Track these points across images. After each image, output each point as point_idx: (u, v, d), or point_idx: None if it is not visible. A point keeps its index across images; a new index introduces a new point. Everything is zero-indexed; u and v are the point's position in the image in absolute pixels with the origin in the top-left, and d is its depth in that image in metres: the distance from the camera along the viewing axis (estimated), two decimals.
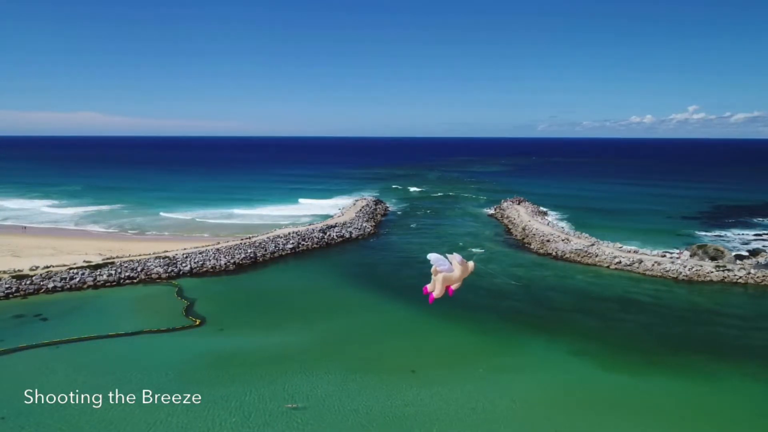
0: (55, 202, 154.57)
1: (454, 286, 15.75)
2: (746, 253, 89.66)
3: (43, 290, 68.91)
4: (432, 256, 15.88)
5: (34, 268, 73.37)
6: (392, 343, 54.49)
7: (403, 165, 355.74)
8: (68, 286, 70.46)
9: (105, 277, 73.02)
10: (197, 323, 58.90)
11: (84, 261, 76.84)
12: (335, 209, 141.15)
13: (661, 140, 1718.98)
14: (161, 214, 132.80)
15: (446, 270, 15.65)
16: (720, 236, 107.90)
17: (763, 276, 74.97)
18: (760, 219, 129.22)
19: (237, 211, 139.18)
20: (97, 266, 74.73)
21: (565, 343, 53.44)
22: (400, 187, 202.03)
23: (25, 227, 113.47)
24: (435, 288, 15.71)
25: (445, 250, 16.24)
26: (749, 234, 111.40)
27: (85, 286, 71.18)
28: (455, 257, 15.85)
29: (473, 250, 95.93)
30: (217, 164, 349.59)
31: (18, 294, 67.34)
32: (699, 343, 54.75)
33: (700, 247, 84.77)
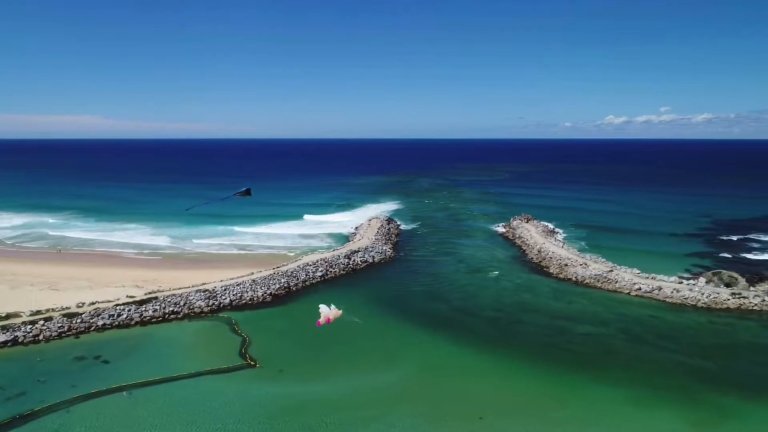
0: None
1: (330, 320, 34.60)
2: (756, 275, 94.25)
3: (93, 328, 70.64)
4: (322, 307, 35.09)
5: (80, 304, 74.93)
6: (454, 386, 57.28)
7: (396, 172, 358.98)
8: (116, 323, 72.26)
9: (150, 312, 74.89)
10: (255, 365, 61.22)
11: (127, 296, 78.51)
12: (343, 227, 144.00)
13: (634, 141, 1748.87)
14: (160, 235, 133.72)
15: (326, 312, 33.92)
16: (727, 258, 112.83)
17: None
18: (759, 234, 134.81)
19: (239, 228, 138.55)
20: (142, 302, 76.47)
21: (619, 389, 56.41)
22: (403, 201, 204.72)
23: (59, 250, 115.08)
24: (324, 320, 34.19)
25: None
26: (754, 253, 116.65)
27: (132, 322, 73.03)
28: (332, 308, 35.04)
29: (495, 272, 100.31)
30: (209, 173, 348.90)
31: (70, 333, 68.98)
32: (735, 380, 58.51)
33: (714, 273, 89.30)
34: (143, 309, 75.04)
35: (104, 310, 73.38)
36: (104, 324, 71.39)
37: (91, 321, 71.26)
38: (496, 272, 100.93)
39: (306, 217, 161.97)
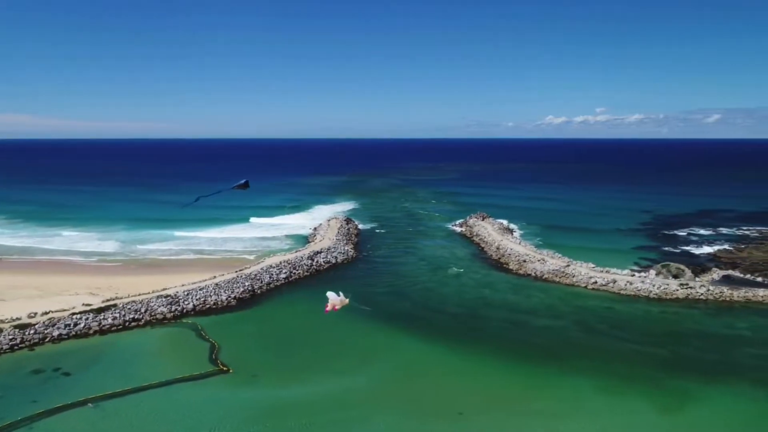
0: None
1: (336, 308, 34.87)
2: (699, 266, 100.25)
3: (48, 339, 66.96)
4: (329, 294, 34.63)
5: (32, 314, 70.75)
6: (430, 383, 57.96)
7: (346, 172, 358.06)
8: (74, 332, 68.79)
9: (110, 320, 71.72)
10: (227, 370, 59.77)
11: (83, 304, 74.76)
12: (300, 228, 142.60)
13: (572, 140, 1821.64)
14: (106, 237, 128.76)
15: (333, 300, 33.83)
16: (671, 252, 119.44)
17: (720, 292, 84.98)
18: (695, 228, 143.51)
19: (186, 233, 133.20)
20: (100, 310, 73.09)
21: (588, 379, 58.59)
22: (357, 201, 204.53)
23: None
24: (331, 308, 34.74)
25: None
26: (693, 246, 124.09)
27: (91, 331, 69.71)
28: (340, 295, 34.66)
29: (455, 268, 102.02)
30: (153, 175, 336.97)
31: (24, 345, 65.12)
32: (691, 365, 62.07)
33: (663, 266, 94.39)
34: (102, 317, 71.73)
35: (59, 320, 69.63)
36: (60, 334, 67.76)
37: (46, 332, 67.48)
38: (459, 270, 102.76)
39: (260, 219, 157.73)
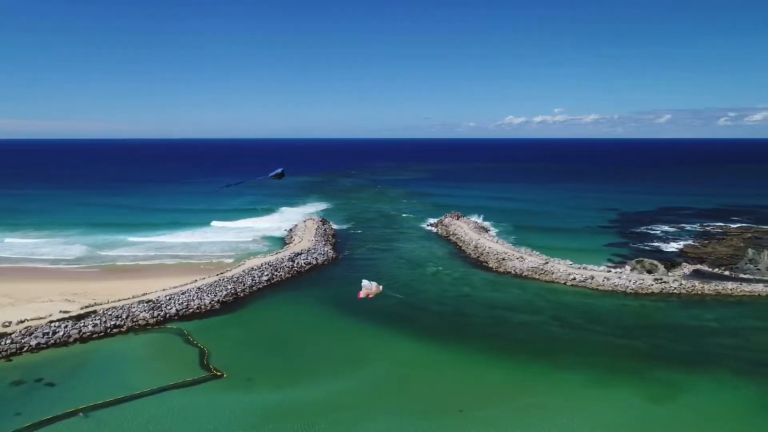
0: None
1: (370, 296, 35.56)
2: (668, 261, 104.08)
3: (26, 349, 64.19)
4: (364, 282, 35.60)
5: (6, 323, 67.65)
6: (426, 381, 58.29)
7: (314, 172, 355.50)
8: (53, 341, 66.14)
9: (90, 328, 69.27)
10: (221, 375, 58.65)
11: (61, 311, 71.94)
12: (276, 230, 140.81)
13: (532, 140, 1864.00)
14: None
15: (368, 287, 34.99)
16: (641, 248, 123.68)
17: (692, 286, 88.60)
18: (660, 225, 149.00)
19: (149, 239, 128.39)
20: (80, 317, 70.51)
21: (577, 372, 60.07)
22: (329, 202, 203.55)
23: None
24: (365, 295, 35.49)
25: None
26: (658, 242, 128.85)
27: (71, 339, 67.15)
28: (373, 283, 35.23)
29: (441, 268, 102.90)
30: (104, 177, 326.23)
31: (0, 356, 62.16)
32: (674, 357, 64.40)
33: (638, 261, 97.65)
34: (82, 324, 69.20)
35: (37, 328, 66.83)
36: (39, 343, 65.04)
37: (23, 341, 64.66)
38: (440, 268, 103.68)
39: (233, 223, 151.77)
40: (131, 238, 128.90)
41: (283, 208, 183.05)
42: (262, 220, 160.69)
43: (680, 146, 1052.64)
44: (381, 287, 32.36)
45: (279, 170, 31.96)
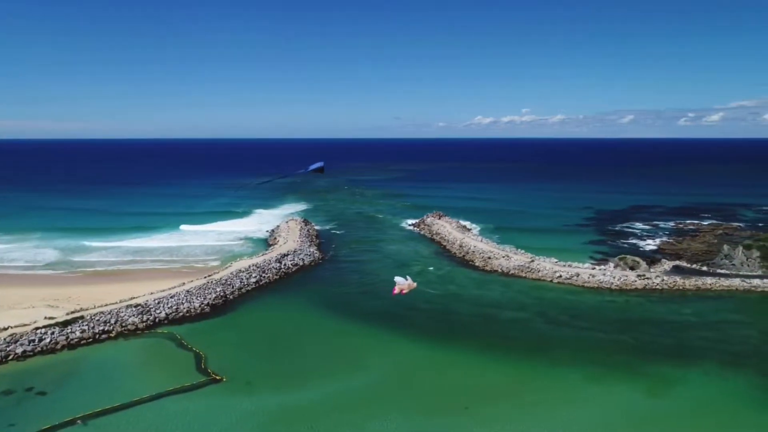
0: None
1: (404, 292, 32.25)
2: (648, 258, 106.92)
3: (12, 357, 61.90)
4: (397, 278, 32.46)
5: None
6: (428, 380, 58.47)
7: (279, 173, 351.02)
8: (39, 348, 63.96)
9: (78, 334, 67.19)
10: (221, 379, 57.65)
11: (46, 317, 69.57)
12: (259, 231, 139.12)
13: (500, 139, 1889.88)
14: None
15: (401, 284, 32.33)
16: (621, 245, 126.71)
17: (673, 282, 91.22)
18: (635, 222, 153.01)
19: (110, 243, 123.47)
20: (66, 323, 68.33)
21: (574, 369, 61.11)
22: (306, 202, 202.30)
23: None
24: (399, 291, 32.33)
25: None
26: (635, 239, 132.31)
27: (58, 346, 65.04)
28: (408, 279, 32.27)
29: (430, 268, 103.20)
30: (61, 179, 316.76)
31: None
32: (664, 351, 66.16)
33: (621, 258, 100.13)
34: (69, 330, 67.07)
35: (22, 336, 64.52)
36: (25, 351, 62.78)
37: (9, 349, 62.33)
38: (430, 268, 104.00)
39: (183, 227, 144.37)
40: (106, 243, 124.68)
41: (259, 210, 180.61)
42: (240, 223, 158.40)
43: (644, 146, 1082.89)
44: (415, 283, 31.96)
45: (320, 164, 31.75)
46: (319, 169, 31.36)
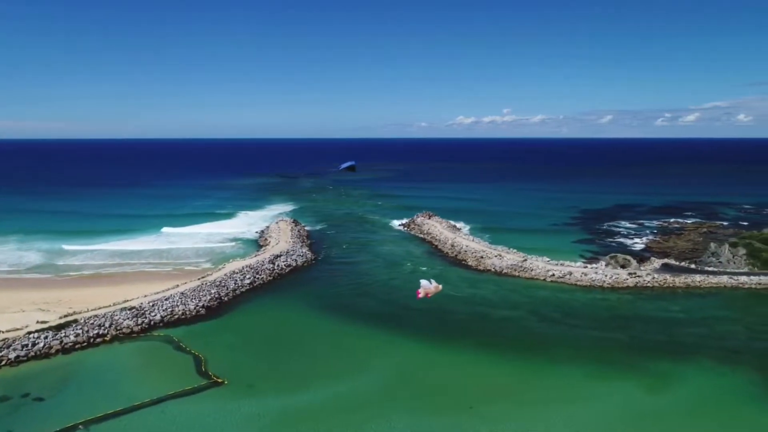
0: None
1: (429, 295, 34.29)
2: (637, 256, 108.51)
3: (5, 362, 60.52)
4: (422, 281, 34.21)
5: None
6: (431, 380, 58.59)
7: (271, 173, 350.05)
8: (33, 353, 62.68)
9: (72, 338, 65.97)
10: (222, 382, 57.04)
11: (38, 321, 68.10)
12: (249, 233, 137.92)
13: (482, 140, 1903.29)
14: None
15: (427, 287, 33.80)
16: (609, 244, 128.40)
17: (664, 279, 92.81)
18: (621, 221, 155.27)
19: (96, 246, 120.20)
20: (59, 327, 67.00)
21: (574, 366, 61.72)
22: (294, 203, 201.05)
23: None
24: (424, 294, 34.26)
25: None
26: (622, 237, 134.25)
27: (52, 351, 63.80)
28: (432, 282, 33.92)
29: (423, 268, 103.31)
30: (32, 180, 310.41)
31: None
32: (661, 348, 67.17)
33: (612, 257, 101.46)
34: (63, 334, 65.81)
35: (14, 340, 63.13)
36: (18, 356, 61.47)
37: (1, 354, 60.98)
38: (423, 268, 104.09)
39: (165, 229, 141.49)
40: (88, 246, 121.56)
41: (245, 212, 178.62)
42: (227, 224, 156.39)
43: (623, 145, 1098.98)
44: (440, 286, 32.03)
45: (351, 163, 32.23)
46: (351, 168, 31.72)
